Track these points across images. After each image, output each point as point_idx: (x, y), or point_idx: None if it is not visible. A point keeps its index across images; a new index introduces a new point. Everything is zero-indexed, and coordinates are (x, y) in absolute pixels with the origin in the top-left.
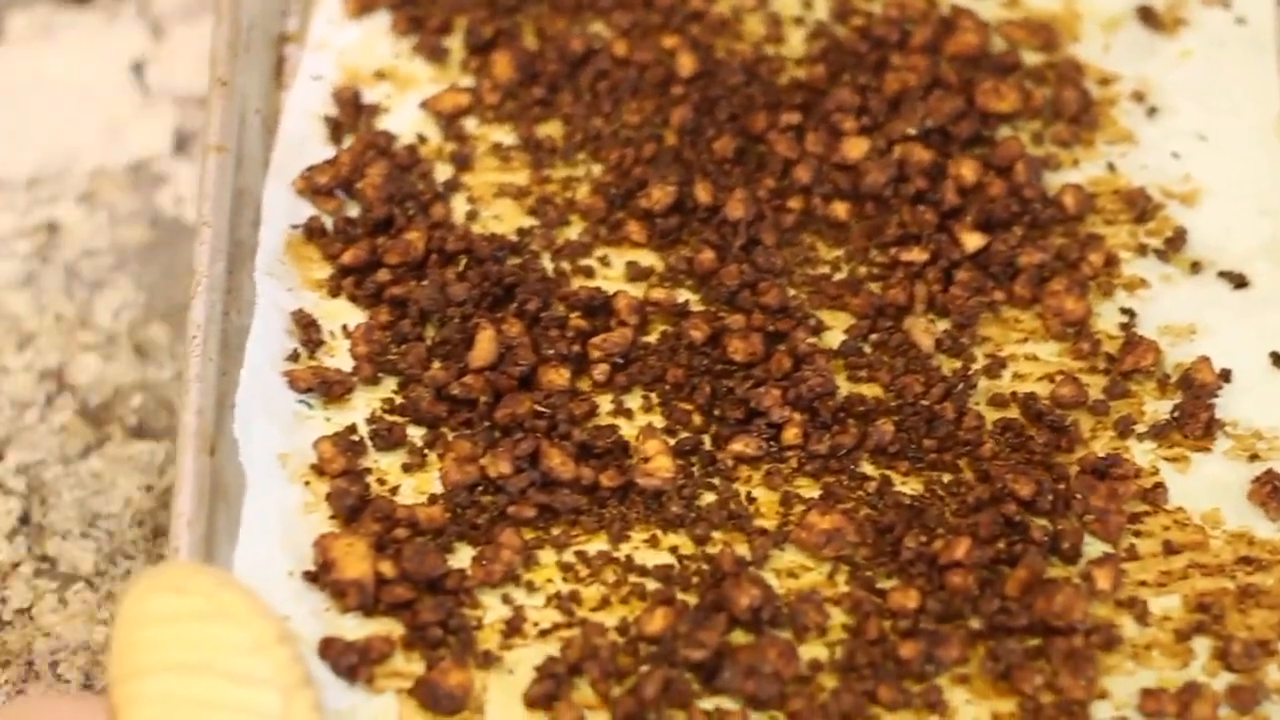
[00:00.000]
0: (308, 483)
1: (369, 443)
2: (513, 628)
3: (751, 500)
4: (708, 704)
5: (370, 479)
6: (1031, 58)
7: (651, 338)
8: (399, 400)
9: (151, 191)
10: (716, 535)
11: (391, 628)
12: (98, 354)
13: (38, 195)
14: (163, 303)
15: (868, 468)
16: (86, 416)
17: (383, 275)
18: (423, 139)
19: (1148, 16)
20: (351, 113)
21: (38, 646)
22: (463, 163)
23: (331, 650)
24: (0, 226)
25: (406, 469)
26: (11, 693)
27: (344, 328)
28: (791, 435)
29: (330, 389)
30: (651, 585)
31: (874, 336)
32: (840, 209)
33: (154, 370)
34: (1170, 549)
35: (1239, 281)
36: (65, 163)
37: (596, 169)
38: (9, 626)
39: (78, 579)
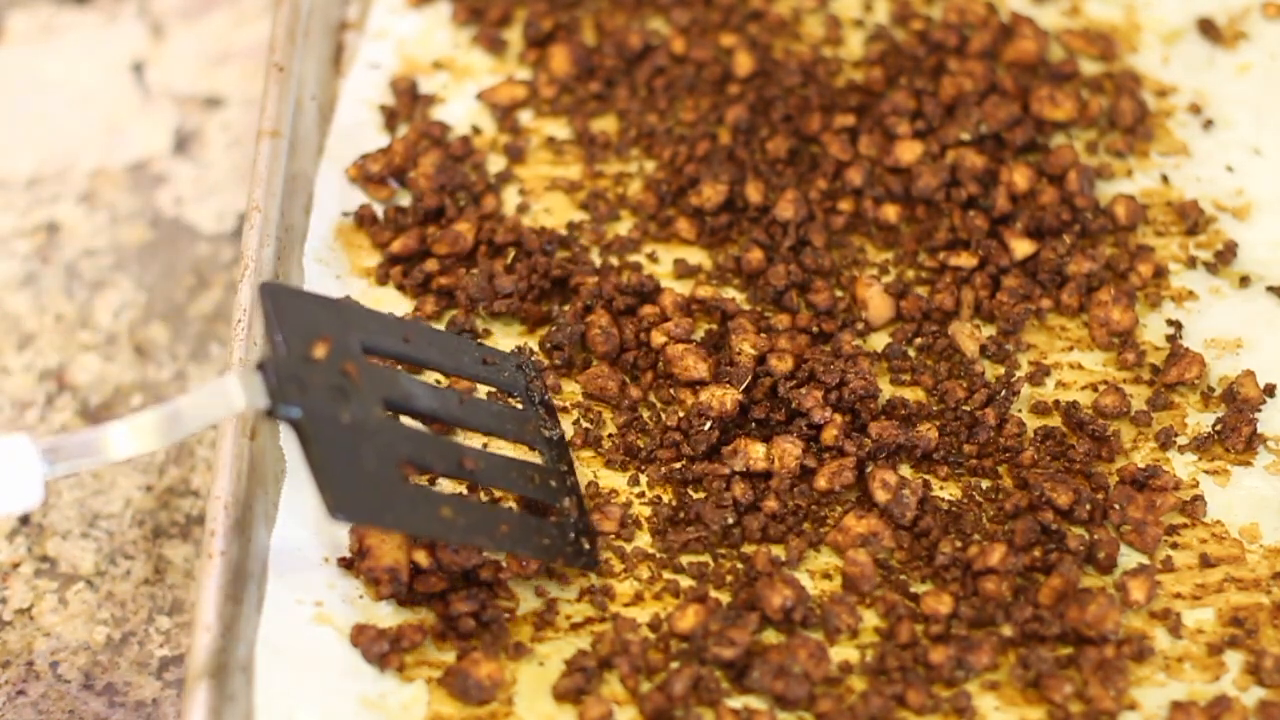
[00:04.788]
0: None
1: None
2: (545, 620)
3: None
4: (736, 702)
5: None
6: (1090, 67)
7: (697, 335)
8: None
9: (151, 191)
10: None
11: (424, 616)
12: (98, 354)
13: (38, 195)
14: (163, 303)
15: (907, 471)
16: (86, 416)
17: (431, 265)
18: (477, 130)
19: (1208, 29)
20: (407, 102)
21: (38, 646)
22: (516, 155)
23: (363, 637)
24: (0, 226)
25: None
26: (11, 693)
27: None
28: (831, 436)
29: None
30: (685, 582)
31: (919, 340)
32: (891, 212)
33: (154, 370)
34: (1207, 562)
35: None
36: (65, 163)
37: (649, 165)
38: (9, 626)
39: (78, 579)
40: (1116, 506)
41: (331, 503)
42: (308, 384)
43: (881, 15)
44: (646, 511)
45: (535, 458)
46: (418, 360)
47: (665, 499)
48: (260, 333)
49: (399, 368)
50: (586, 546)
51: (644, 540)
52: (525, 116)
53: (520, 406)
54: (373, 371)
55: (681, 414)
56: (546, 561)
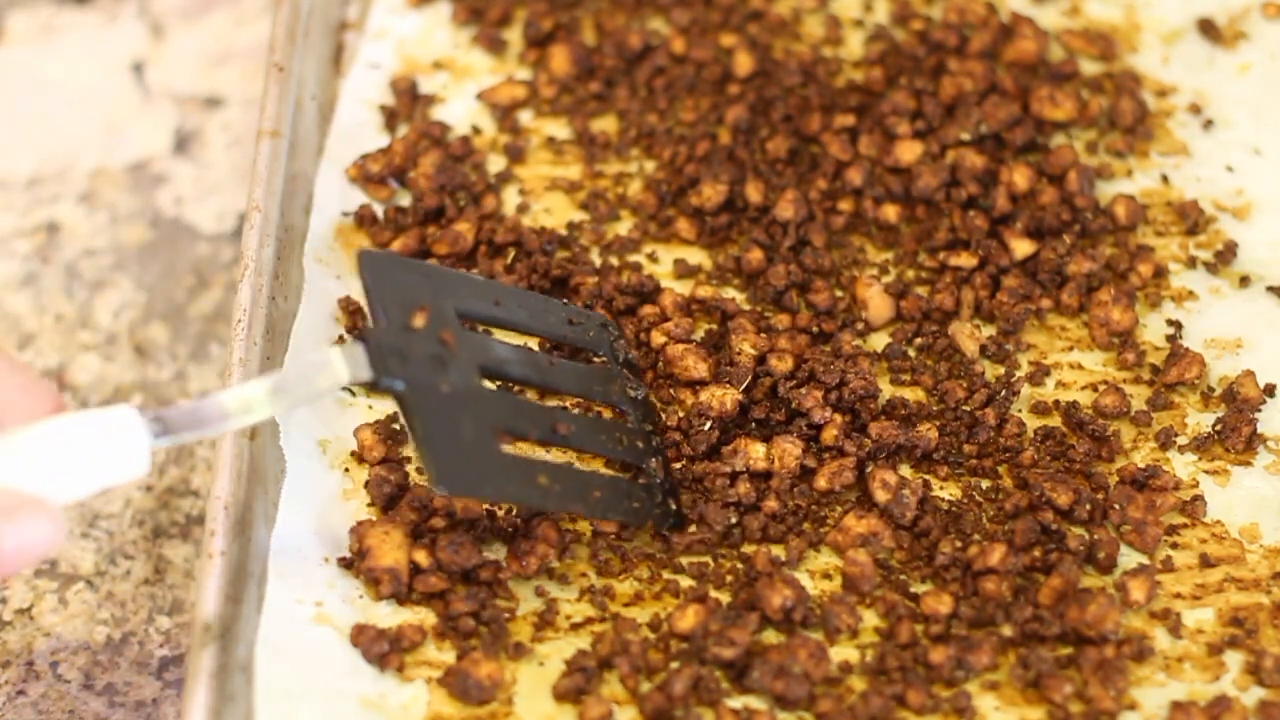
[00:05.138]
0: (347, 470)
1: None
2: (545, 620)
3: None
4: (736, 702)
5: (409, 468)
6: (1090, 67)
7: (697, 335)
8: None
9: (151, 191)
10: None
11: (424, 616)
12: (98, 354)
13: (38, 195)
14: (163, 303)
15: (907, 471)
16: None
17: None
18: (477, 130)
19: (1208, 29)
20: (407, 102)
21: (38, 646)
22: (516, 155)
23: (363, 637)
24: (0, 226)
25: None
26: (11, 693)
27: None
28: (831, 436)
29: None
30: (685, 582)
31: (919, 340)
32: (891, 212)
33: (154, 370)
34: (1206, 562)
35: None
36: (65, 163)
37: (649, 165)
38: (9, 626)
39: (78, 579)
40: (1116, 506)
41: (436, 475)
42: (408, 355)
43: (881, 15)
44: None
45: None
46: (508, 324)
47: None
48: (259, 334)
49: (489, 331)
50: (673, 507)
51: (644, 540)
52: (525, 116)
53: (605, 365)
54: (468, 339)
55: (681, 414)
56: (637, 525)
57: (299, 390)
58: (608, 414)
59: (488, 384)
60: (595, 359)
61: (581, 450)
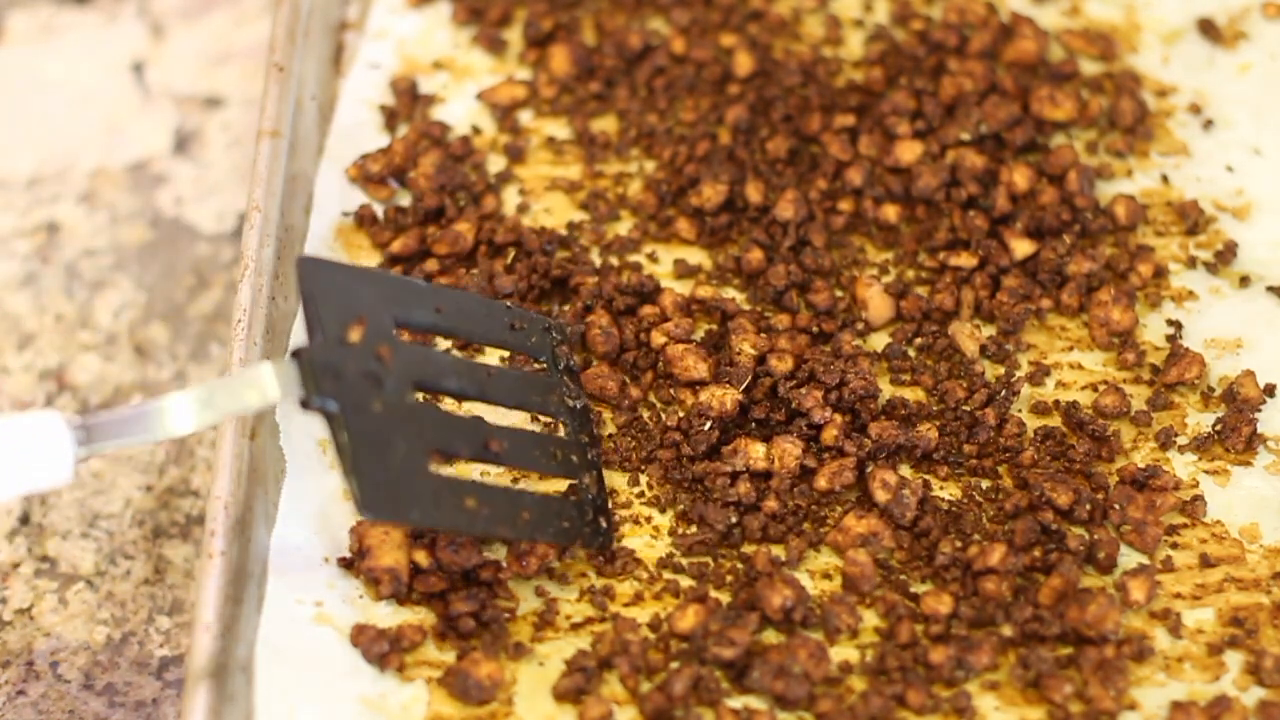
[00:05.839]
0: None
1: None
2: (545, 620)
3: None
4: (736, 702)
5: None
6: (1090, 67)
7: (697, 335)
8: None
9: (151, 191)
10: None
11: (424, 616)
12: (98, 354)
13: (38, 195)
14: (163, 303)
15: (907, 472)
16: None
17: (431, 265)
18: (477, 130)
19: (1208, 29)
20: (407, 102)
21: (38, 646)
22: (516, 155)
23: (363, 637)
24: (0, 226)
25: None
26: (11, 693)
27: None
28: (831, 436)
29: None
30: (685, 582)
31: (919, 340)
32: (891, 212)
33: (154, 370)
34: (1206, 562)
35: None
36: (65, 163)
37: (649, 165)
38: (9, 626)
39: (78, 579)
40: (1116, 506)
41: (360, 500)
42: (343, 372)
43: (881, 15)
44: (646, 512)
45: (558, 428)
46: (449, 331)
47: (666, 499)
48: (259, 334)
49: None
50: (603, 525)
51: (644, 540)
52: (525, 116)
53: (545, 374)
54: (404, 352)
55: (681, 414)
56: (565, 545)
57: (228, 405)
58: (554, 425)
59: (421, 397)
60: (536, 364)
61: (514, 467)
